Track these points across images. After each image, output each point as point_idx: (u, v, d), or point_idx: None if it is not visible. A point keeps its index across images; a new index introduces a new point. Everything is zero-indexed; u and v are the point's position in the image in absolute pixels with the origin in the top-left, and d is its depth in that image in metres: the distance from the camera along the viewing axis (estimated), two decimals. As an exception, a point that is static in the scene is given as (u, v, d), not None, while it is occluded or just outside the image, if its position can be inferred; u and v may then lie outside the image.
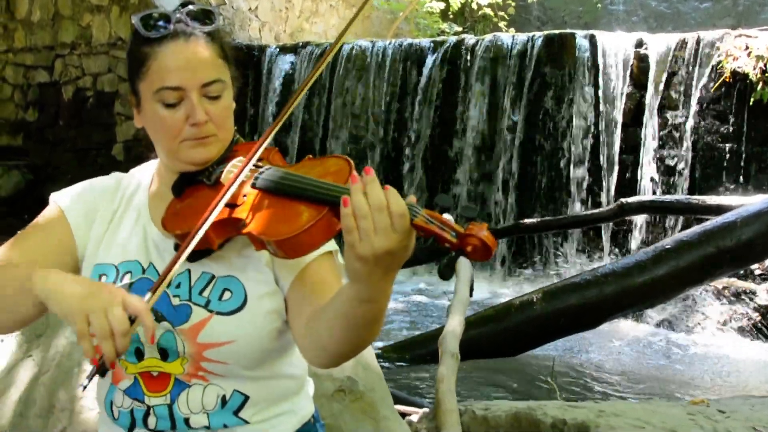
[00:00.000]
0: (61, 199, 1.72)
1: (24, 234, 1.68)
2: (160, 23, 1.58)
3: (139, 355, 1.58)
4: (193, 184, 1.64)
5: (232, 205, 1.51)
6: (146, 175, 1.77)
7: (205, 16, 1.62)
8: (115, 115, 10.12)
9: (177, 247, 1.59)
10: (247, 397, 1.61)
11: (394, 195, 1.28)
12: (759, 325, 5.90)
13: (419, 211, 1.29)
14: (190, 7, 1.61)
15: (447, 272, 1.32)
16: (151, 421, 1.59)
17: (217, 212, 1.48)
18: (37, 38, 10.85)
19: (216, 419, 1.60)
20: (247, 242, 1.57)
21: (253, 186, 1.53)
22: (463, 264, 3.86)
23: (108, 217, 1.71)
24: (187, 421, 1.59)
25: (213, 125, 1.60)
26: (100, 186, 1.75)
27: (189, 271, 1.61)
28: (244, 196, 1.52)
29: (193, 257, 1.60)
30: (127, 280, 1.62)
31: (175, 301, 1.59)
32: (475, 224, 1.28)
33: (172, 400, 1.58)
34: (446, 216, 1.33)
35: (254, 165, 1.57)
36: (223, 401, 1.59)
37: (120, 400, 1.62)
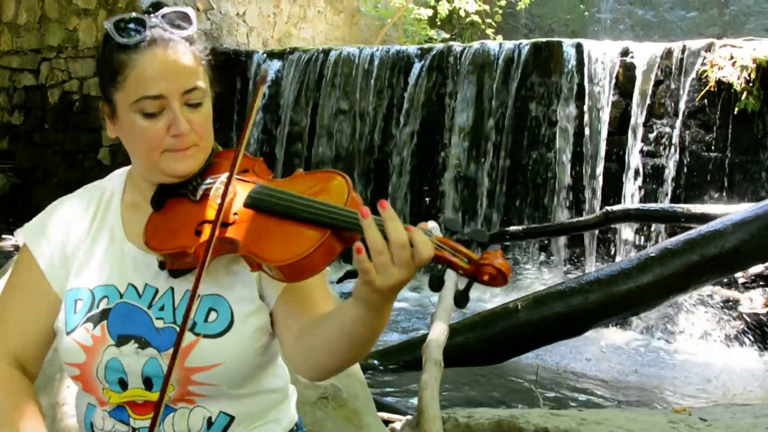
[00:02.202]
0: (28, 240, 1.65)
1: (4, 300, 1.65)
2: (135, 27, 1.51)
3: (123, 385, 1.54)
4: (174, 197, 1.58)
5: (223, 224, 1.46)
6: (118, 184, 1.70)
7: (181, 20, 1.55)
8: (101, 119, 10.08)
9: (161, 265, 1.55)
10: (232, 418, 1.58)
11: (418, 234, 1.27)
12: (742, 333, 5.92)
13: (430, 236, 1.28)
14: (165, 9, 1.54)
15: (462, 300, 1.29)
16: None
17: (213, 244, 1.43)
18: (23, 41, 10.81)
19: None
20: (236, 258, 1.53)
21: (246, 205, 1.47)
22: (447, 271, 3.85)
23: (82, 236, 1.64)
24: None
25: (195, 135, 1.54)
26: (65, 210, 1.68)
27: (172, 289, 1.57)
28: (235, 214, 1.47)
29: (177, 273, 1.56)
30: (103, 305, 1.56)
31: (159, 324, 1.54)
32: (490, 252, 1.27)
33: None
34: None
35: (242, 179, 1.52)
36: (209, 423, 1.56)
37: (101, 423, 1.58)
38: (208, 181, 1.57)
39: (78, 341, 1.55)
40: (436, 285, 1.29)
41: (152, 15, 1.53)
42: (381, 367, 4.46)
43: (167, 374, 1.43)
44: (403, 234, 1.26)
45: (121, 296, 1.57)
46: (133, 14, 1.53)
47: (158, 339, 1.53)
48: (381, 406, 3.36)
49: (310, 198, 1.41)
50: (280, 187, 1.48)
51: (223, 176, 1.55)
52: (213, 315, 1.54)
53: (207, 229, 1.47)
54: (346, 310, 1.40)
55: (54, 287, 1.62)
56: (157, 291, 1.57)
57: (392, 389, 4.34)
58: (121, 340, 1.53)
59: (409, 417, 3.23)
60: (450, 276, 3.90)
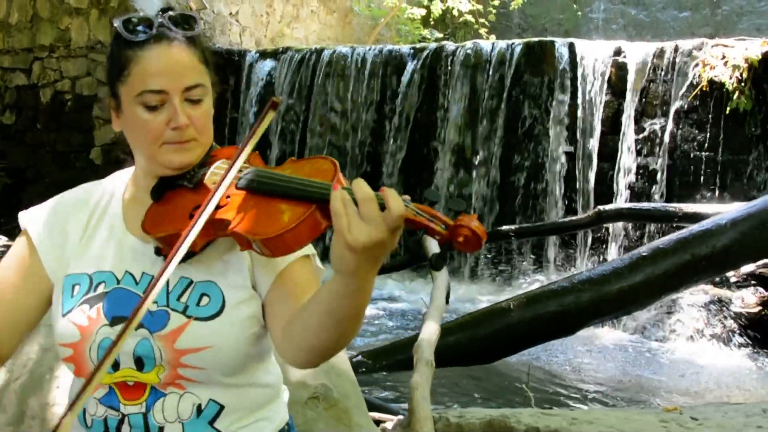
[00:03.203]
0: (30, 226, 1.71)
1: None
2: (143, 27, 1.59)
3: (115, 365, 1.56)
4: (173, 188, 1.63)
5: (216, 207, 1.50)
6: (120, 183, 1.75)
7: (186, 22, 1.63)
8: (93, 119, 10.06)
9: (158, 251, 1.59)
10: (222, 407, 1.60)
11: (392, 194, 1.30)
12: (733, 332, 5.93)
13: (408, 204, 1.31)
14: (171, 12, 1.62)
15: (439, 263, 1.33)
16: (125, 430, 1.58)
17: (205, 218, 1.47)
18: (14, 40, 10.77)
19: (191, 429, 1.58)
20: (230, 246, 1.57)
21: (237, 187, 1.52)
22: (440, 271, 3.85)
23: (80, 229, 1.69)
24: (161, 430, 1.57)
25: (194, 129, 1.60)
26: (67, 202, 1.74)
27: None
28: (228, 197, 1.51)
29: None
30: (101, 289, 1.61)
31: (153, 307, 1.57)
32: (466, 215, 1.29)
33: (147, 409, 1.56)
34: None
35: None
36: (199, 410, 1.58)
37: (93, 409, 1.61)
38: (205, 169, 1.63)
39: (74, 321, 1.59)
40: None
41: (159, 16, 1.61)
42: (373, 367, 4.46)
43: (133, 313, 1.44)
44: (367, 190, 1.31)
45: (119, 282, 1.62)
46: (142, 14, 1.62)
47: (150, 320, 1.56)
48: (372, 406, 3.36)
49: (295, 176, 1.46)
50: (270, 169, 1.54)
51: (219, 162, 1.62)
52: (205, 299, 1.58)
53: None
54: (327, 285, 1.42)
55: (47, 270, 1.66)
56: (152, 278, 1.58)
57: (384, 389, 4.33)
58: (114, 321, 1.57)
59: (400, 417, 3.23)
60: (442, 273, 3.91)
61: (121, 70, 1.59)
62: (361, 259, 1.32)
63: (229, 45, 10.69)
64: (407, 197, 1.33)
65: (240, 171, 1.55)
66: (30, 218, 1.72)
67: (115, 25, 1.60)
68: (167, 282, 1.59)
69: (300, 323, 1.49)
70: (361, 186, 1.31)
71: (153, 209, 1.62)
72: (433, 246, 4.40)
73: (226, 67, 9.50)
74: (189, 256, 1.55)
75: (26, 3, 10.62)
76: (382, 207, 1.30)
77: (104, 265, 1.64)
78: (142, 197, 1.67)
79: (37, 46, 10.56)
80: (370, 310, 6.52)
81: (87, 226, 1.69)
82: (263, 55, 9.65)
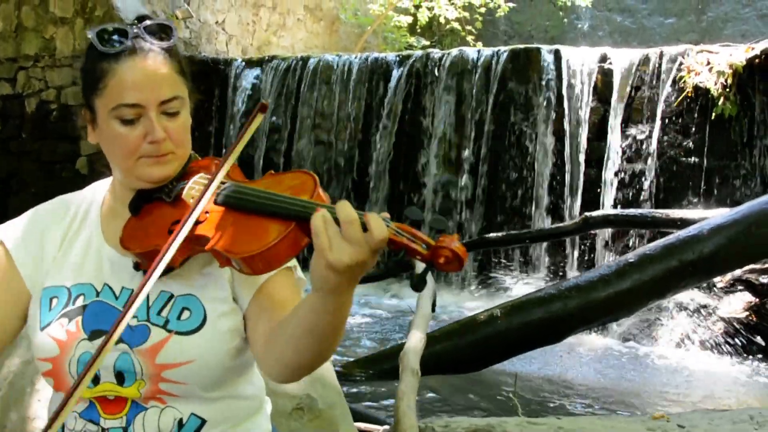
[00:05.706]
0: (7, 240, 1.68)
1: None
2: (118, 38, 1.56)
3: (95, 379, 1.55)
4: (151, 202, 1.62)
5: (195, 222, 1.49)
6: (99, 194, 1.74)
7: (162, 32, 1.60)
8: (79, 129, 9.98)
9: (137, 266, 1.58)
10: (204, 421, 1.58)
11: (374, 217, 1.29)
12: (721, 338, 5.94)
13: (389, 223, 1.30)
14: (148, 21, 1.59)
15: (420, 284, 1.32)
16: None
17: (184, 236, 1.46)
18: (-1, 50, 10.73)
19: None
20: (209, 260, 1.56)
21: (216, 202, 1.51)
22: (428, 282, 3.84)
23: (58, 240, 1.67)
24: None
25: (171, 143, 1.58)
26: (44, 213, 1.72)
27: None
28: (207, 212, 1.50)
29: None
30: (80, 302, 1.59)
31: (133, 322, 1.55)
32: (446, 236, 1.28)
33: (127, 423, 1.55)
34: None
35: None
36: (180, 425, 1.57)
37: (72, 423, 1.59)
38: (183, 183, 1.61)
39: (52, 336, 1.57)
40: (394, 270, 1.31)
41: (134, 26, 1.58)
42: (360, 376, 4.44)
43: (112, 329, 1.42)
44: (350, 212, 1.29)
45: (98, 294, 1.60)
46: (116, 25, 1.58)
47: (130, 335, 1.54)
48: (358, 416, 3.34)
49: (274, 192, 1.44)
50: (249, 185, 1.53)
51: (197, 176, 1.60)
52: (186, 313, 1.56)
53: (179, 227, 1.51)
54: (306, 302, 1.41)
55: (25, 281, 1.64)
56: (132, 292, 1.57)
57: (369, 398, 4.32)
58: (93, 335, 1.55)
59: (386, 426, 3.22)
60: (428, 280, 3.89)
61: (96, 83, 1.57)
62: (342, 278, 1.31)
63: (215, 53, 10.67)
64: (387, 215, 1.32)
65: (219, 185, 1.54)
66: (5, 231, 1.69)
67: (89, 36, 1.57)
68: (147, 296, 1.57)
69: (280, 339, 1.48)
70: (345, 207, 1.30)
71: (131, 223, 1.61)
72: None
73: (212, 75, 9.48)
74: (168, 270, 1.54)
75: (11, 12, 10.57)
76: (364, 227, 1.29)
77: (83, 277, 1.62)
78: (120, 209, 1.65)
79: (22, 56, 10.51)
80: (355, 319, 6.53)
81: (65, 237, 1.68)
82: (249, 63, 9.64)
